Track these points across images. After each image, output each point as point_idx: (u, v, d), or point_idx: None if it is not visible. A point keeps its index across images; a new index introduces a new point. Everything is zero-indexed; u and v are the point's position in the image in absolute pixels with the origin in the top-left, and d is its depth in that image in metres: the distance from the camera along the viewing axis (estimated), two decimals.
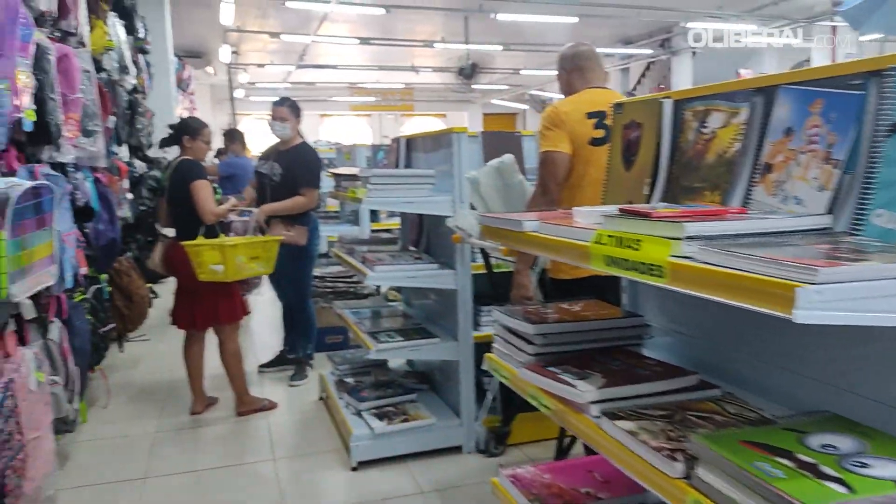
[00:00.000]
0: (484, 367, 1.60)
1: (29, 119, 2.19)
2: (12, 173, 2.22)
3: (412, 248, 3.38)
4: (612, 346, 1.43)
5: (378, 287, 4.85)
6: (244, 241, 3.29)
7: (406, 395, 3.09)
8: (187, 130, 3.45)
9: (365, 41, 11.37)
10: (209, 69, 13.94)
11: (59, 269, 2.22)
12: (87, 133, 3.09)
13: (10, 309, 1.95)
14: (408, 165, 3.40)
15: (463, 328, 2.88)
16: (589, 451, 2.26)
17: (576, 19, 10.03)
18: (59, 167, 2.77)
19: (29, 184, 1.94)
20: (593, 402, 1.14)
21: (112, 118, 4.01)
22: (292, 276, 3.88)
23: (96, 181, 3.39)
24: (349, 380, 3.39)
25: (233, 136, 6.72)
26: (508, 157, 2.30)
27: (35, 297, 2.18)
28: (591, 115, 2.15)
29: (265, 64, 13.94)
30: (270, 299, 5.09)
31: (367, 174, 2.77)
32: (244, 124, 15.93)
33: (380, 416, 2.90)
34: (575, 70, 2.32)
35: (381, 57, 14.37)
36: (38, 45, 2.38)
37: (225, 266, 3.13)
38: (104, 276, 3.64)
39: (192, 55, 12.20)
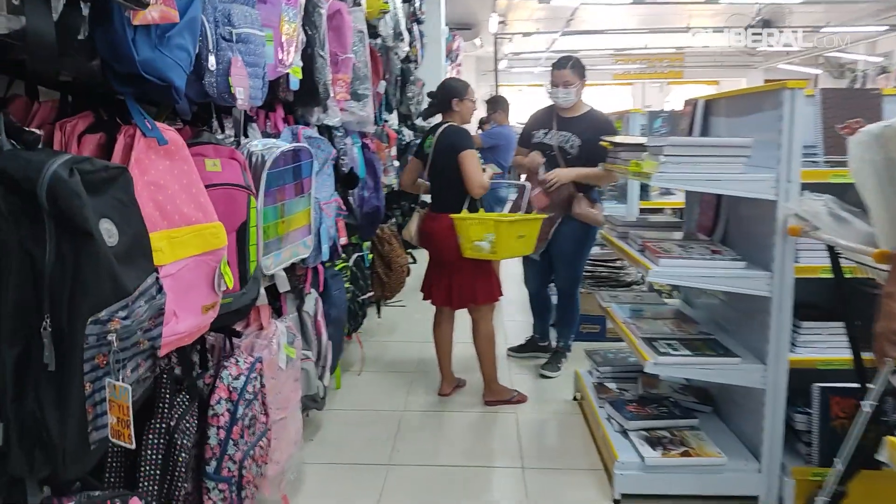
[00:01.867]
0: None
1: (295, 76, 2.05)
2: (277, 135, 2.11)
3: (702, 237, 2.73)
4: None
5: (642, 275, 4.28)
6: (520, 218, 3.02)
7: (686, 420, 2.49)
8: (455, 92, 3.19)
9: (639, 0, 10.43)
10: (476, 41, 14.12)
11: (315, 240, 2.07)
12: (356, 96, 2.98)
13: (264, 281, 1.82)
14: (703, 134, 2.74)
15: (775, 348, 2.19)
16: None
17: None
18: (326, 131, 2.68)
19: (285, 146, 1.76)
20: None
21: (383, 83, 3.95)
22: (571, 257, 3.48)
23: (364, 147, 3.33)
24: (611, 385, 2.89)
25: (496, 104, 6.50)
26: None
27: (291, 268, 2.06)
28: None
29: (531, 32, 13.67)
30: (515, 277, 4.78)
31: (659, 143, 2.20)
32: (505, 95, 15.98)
33: (652, 443, 2.36)
34: None
35: (652, 19, 13.20)
36: None
37: (496, 244, 2.87)
38: (367, 244, 3.61)
39: (461, 27, 12.41)
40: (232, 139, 1.75)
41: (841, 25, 12.74)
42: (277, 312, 2.09)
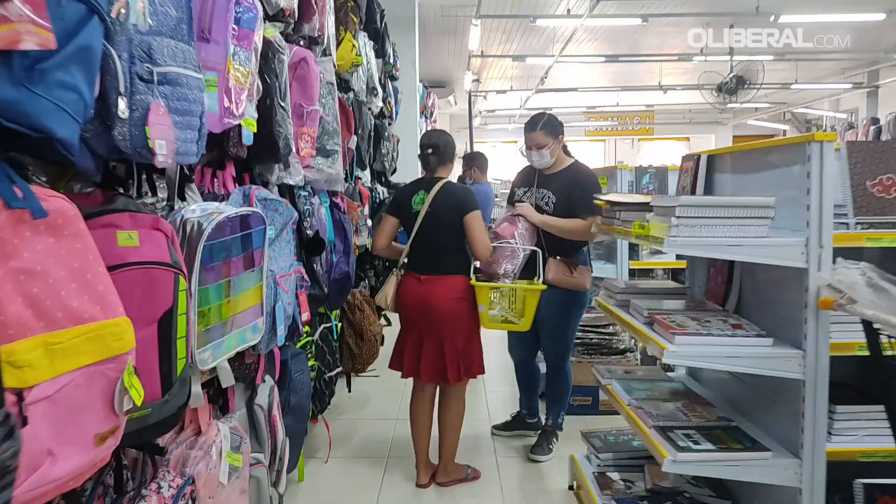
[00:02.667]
0: None
1: (248, 129, 1.75)
2: (226, 197, 1.79)
3: (713, 305, 2.44)
4: None
5: (635, 341, 3.98)
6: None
7: None
8: (454, 145, 2.99)
9: (612, 59, 10.52)
10: (451, 98, 14.14)
11: (268, 322, 1.73)
12: (324, 152, 2.70)
13: (204, 376, 1.47)
14: (707, 192, 2.50)
15: (811, 439, 1.88)
16: None
17: (882, 16, 8.12)
18: (288, 191, 2.37)
19: (231, 211, 1.44)
20: None
21: (354, 138, 3.69)
22: (557, 326, 3.16)
23: (333, 207, 3.02)
24: (614, 475, 2.54)
25: (471, 161, 6.29)
26: None
27: (240, 354, 1.71)
28: None
29: (505, 90, 13.76)
30: (498, 343, 4.44)
31: (669, 202, 1.93)
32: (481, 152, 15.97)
33: None
34: None
35: (624, 77, 13.40)
36: (270, 44, 1.97)
37: (526, 312, 2.76)
38: (335, 313, 3.26)
39: (435, 85, 12.41)
40: (164, 204, 1.43)
41: (808, 82, 13.10)
42: (223, 409, 1.73)
